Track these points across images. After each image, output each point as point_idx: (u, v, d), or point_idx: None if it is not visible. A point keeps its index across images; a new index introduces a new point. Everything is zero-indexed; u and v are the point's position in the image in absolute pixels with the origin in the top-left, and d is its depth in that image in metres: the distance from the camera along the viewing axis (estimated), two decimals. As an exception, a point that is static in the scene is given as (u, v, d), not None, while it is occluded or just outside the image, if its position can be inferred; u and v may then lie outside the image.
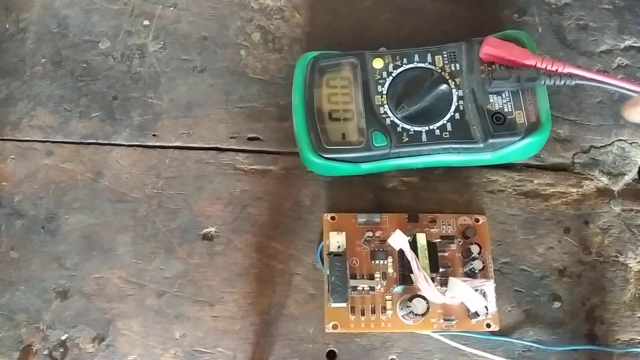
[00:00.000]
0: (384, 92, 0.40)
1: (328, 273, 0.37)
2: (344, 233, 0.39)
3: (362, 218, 0.39)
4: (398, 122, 0.39)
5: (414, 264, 0.36)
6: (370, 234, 0.39)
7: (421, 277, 0.35)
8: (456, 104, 0.39)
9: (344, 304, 0.36)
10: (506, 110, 0.39)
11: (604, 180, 0.42)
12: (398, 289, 0.38)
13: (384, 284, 0.38)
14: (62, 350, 0.38)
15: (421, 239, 0.38)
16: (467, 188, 0.42)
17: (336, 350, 0.38)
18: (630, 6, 0.46)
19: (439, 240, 0.39)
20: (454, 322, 0.37)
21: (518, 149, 0.39)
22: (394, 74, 0.40)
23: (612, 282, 0.40)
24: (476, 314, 0.37)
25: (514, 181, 0.42)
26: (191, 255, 0.40)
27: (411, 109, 0.39)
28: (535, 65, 0.39)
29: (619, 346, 0.38)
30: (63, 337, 0.38)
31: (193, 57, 0.45)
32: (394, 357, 0.38)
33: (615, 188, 0.42)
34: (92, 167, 0.42)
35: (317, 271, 0.39)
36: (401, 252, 0.36)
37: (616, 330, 0.39)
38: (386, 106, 0.40)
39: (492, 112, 0.39)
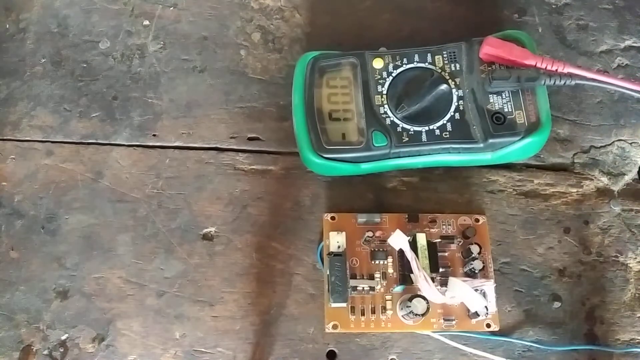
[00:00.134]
0: (384, 92, 0.40)
1: (328, 273, 0.37)
2: (344, 233, 0.39)
3: (362, 218, 0.39)
4: (398, 122, 0.39)
5: (414, 264, 0.36)
6: (370, 234, 0.39)
7: (421, 277, 0.35)
8: (456, 104, 0.39)
9: (344, 304, 0.36)
10: (506, 110, 0.39)
11: (604, 180, 0.42)
12: (398, 289, 0.38)
13: (384, 284, 0.38)
14: (62, 350, 0.38)
15: (421, 239, 0.38)
16: (467, 188, 0.42)
17: (336, 350, 0.38)
18: (630, 6, 0.46)
19: (439, 240, 0.39)
20: (454, 322, 0.37)
21: (518, 149, 0.39)
22: (394, 74, 0.40)
23: (612, 282, 0.40)
24: (476, 314, 0.37)
25: (514, 181, 0.42)
26: (191, 255, 0.40)
27: (411, 109, 0.39)
28: (535, 65, 0.39)
29: (619, 346, 0.38)
30: (63, 337, 0.38)
31: (193, 57, 0.45)
32: (394, 357, 0.38)
33: (615, 188, 0.42)
34: (92, 167, 0.42)
35: (317, 271, 0.39)
36: (401, 252, 0.36)
37: (616, 330, 0.39)
38: (386, 106, 0.40)
39: (492, 112, 0.39)
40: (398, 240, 0.36)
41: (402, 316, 0.37)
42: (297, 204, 0.41)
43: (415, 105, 0.39)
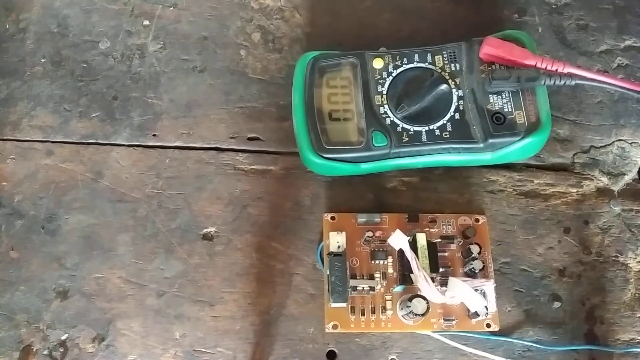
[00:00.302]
0: (384, 92, 0.40)
1: (328, 273, 0.37)
2: (344, 233, 0.39)
3: (362, 218, 0.39)
4: (398, 122, 0.39)
5: (414, 264, 0.36)
6: (370, 234, 0.39)
7: (421, 277, 0.35)
8: (456, 104, 0.39)
9: (344, 304, 0.36)
10: (506, 110, 0.39)
11: (604, 180, 0.42)
12: (398, 289, 0.38)
13: (384, 284, 0.38)
14: (62, 350, 0.38)
15: (421, 239, 0.38)
16: (467, 188, 0.42)
17: (336, 350, 0.38)
18: (630, 6, 0.46)
19: (439, 240, 0.39)
20: (454, 322, 0.37)
21: (518, 149, 0.39)
22: (394, 74, 0.40)
23: (612, 282, 0.40)
24: (476, 314, 0.37)
25: (514, 181, 0.42)
26: (191, 255, 0.40)
27: (411, 109, 0.39)
28: (535, 65, 0.39)
29: (619, 346, 0.38)
30: (63, 337, 0.38)
31: (193, 57, 0.45)
32: (394, 357, 0.38)
33: (615, 188, 0.42)
34: (92, 167, 0.42)
35: (317, 271, 0.39)
36: (401, 252, 0.36)
37: (616, 330, 0.39)
38: (386, 106, 0.40)
39: (492, 112, 0.39)
40: (398, 240, 0.36)
41: (402, 316, 0.37)
42: (297, 204, 0.41)
43: (415, 105, 0.39)
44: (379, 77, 0.40)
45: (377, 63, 0.41)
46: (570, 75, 0.38)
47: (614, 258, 0.40)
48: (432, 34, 0.45)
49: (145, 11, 0.46)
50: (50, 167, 0.42)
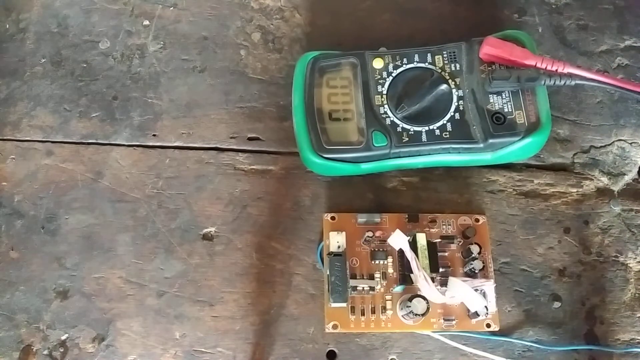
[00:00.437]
0: (384, 92, 0.40)
1: (328, 273, 0.37)
2: (344, 233, 0.39)
3: (362, 218, 0.39)
4: (398, 122, 0.39)
5: (413, 264, 0.36)
6: (370, 234, 0.39)
7: (421, 277, 0.35)
8: (456, 104, 0.39)
9: (344, 304, 0.36)
10: (506, 110, 0.39)
11: (604, 180, 0.42)
12: (398, 289, 0.38)
13: (384, 284, 0.38)
14: (62, 350, 0.38)
15: (421, 239, 0.38)
16: (467, 188, 0.42)
17: (336, 350, 0.38)
18: (630, 6, 0.46)
19: (439, 240, 0.39)
20: (454, 322, 0.37)
21: (518, 149, 0.39)
22: (394, 74, 0.40)
23: (612, 282, 0.40)
24: (476, 314, 0.37)
25: (514, 181, 0.42)
26: (191, 255, 0.40)
27: (411, 109, 0.39)
28: (535, 65, 0.39)
29: (619, 346, 0.38)
30: (63, 337, 0.38)
31: (193, 57, 0.45)
32: (394, 357, 0.38)
33: (615, 188, 0.42)
34: (92, 167, 0.42)
35: (317, 271, 0.39)
36: (401, 252, 0.36)
37: (616, 330, 0.39)
38: (386, 106, 0.40)
39: (492, 112, 0.39)
40: (398, 240, 0.36)
41: (402, 316, 0.37)
42: (297, 204, 0.41)
43: (415, 105, 0.39)
44: (379, 77, 0.40)
45: (377, 63, 0.41)
46: (570, 75, 0.38)
47: (614, 258, 0.40)
48: (432, 34, 0.45)
49: (145, 11, 0.46)
50: (50, 167, 0.42)
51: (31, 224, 0.41)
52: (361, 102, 0.40)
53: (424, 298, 0.36)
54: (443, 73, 0.40)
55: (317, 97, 0.40)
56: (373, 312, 0.37)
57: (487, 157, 0.39)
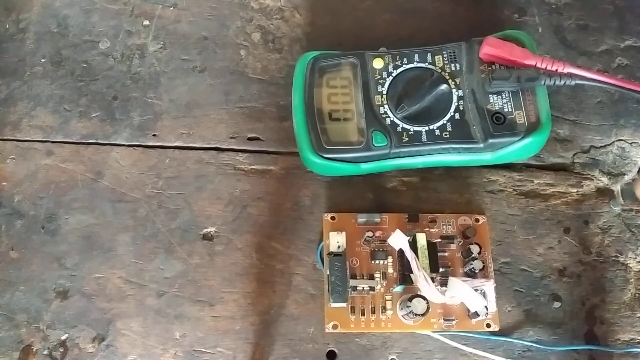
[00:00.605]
0: (384, 92, 0.40)
1: (328, 273, 0.37)
2: (344, 233, 0.39)
3: (362, 218, 0.39)
4: (398, 122, 0.39)
5: (413, 264, 0.36)
6: (370, 234, 0.39)
7: (421, 277, 0.35)
8: (456, 104, 0.39)
9: (344, 304, 0.36)
10: (506, 110, 0.39)
11: (604, 180, 0.42)
12: (398, 289, 0.38)
13: (384, 284, 0.38)
14: (62, 350, 0.38)
15: (421, 239, 0.38)
16: (467, 188, 0.42)
17: (336, 350, 0.38)
18: (630, 6, 0.46)
19: (439, 240, 0.39)
20: (454, 322, 0.37)
21: (518, 149, 0.39)
22: (394, 74, 0.40)
23: (612, 282, 0.40)
24: (476, 314, 0.37)
25: (514, 181, 0.42)
26: (191, 255, 0.40)
27: (411, 109, 0.39)
28: (535, 65, 0.39)
29: (619, 346, 0.38)
30: (63, 337, 0.38)
31: (193, 57, 0.45)
32: (394, 357, 0.38)
33: (615, 188, 0.42)
34: (92, 167, 0.42)
35: (317, 271, 0.39)
36: (401, 252, 0.36)
37: (616, 330, 0.39)
38: (386, 106, 0.40)
39: (492, 112, 0.39)
40: (398, 240, 0.36)
41: (402, 316, 0.37)
42: (297, 204, 0.41)
43: (415, 105, 0.39)
44: (379, 77, 0.40)
45: (377, 63, 0.41)
46: (570, 75, 0.38)
47: (614, 258, 0.40)
48: (432, 34, 0.45)
49: (145, 11, 0.46)
50: (50, 167, 0.42)
51: (31, 224, 0.41)
52: (361, 102, 0.40)
53: (424, 298, 0.36)
54: (443, 73, 0.40)
55: (317, 97, 0.40)
56: (373, 312, 0.37)
57: (487, 157, 0.39)
